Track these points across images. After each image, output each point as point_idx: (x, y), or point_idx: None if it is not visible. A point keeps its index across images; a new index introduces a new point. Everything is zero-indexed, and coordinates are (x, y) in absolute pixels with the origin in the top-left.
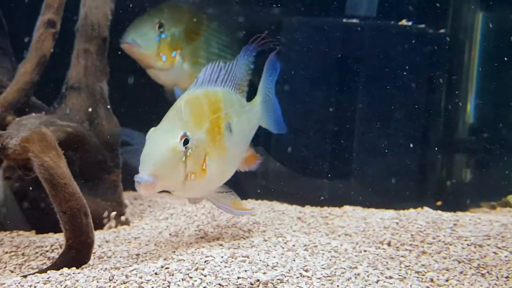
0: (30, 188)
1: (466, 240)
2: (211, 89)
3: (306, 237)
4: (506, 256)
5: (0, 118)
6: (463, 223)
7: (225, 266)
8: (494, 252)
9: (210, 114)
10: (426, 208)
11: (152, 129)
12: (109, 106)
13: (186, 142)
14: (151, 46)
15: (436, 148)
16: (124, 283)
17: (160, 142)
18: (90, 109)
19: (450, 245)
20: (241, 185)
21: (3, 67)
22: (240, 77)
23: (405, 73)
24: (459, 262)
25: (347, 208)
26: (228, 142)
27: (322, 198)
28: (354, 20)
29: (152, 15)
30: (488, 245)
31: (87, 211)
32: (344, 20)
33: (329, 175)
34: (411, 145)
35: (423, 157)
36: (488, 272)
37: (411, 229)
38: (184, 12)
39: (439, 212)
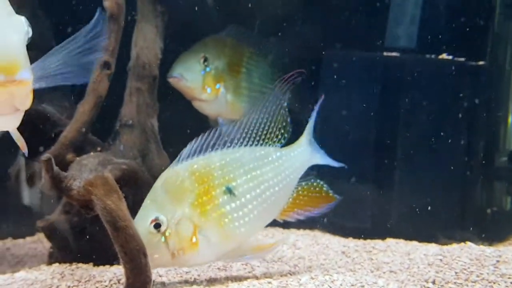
0: (88, 223)
1: (509, 278)
2: (200, 159)
3: (352, 275)
4: None
5: (61, 156)
6: (506, 259)
7: None
8: None
9: (194, 187)
10: (469, 243)
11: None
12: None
13: (157, 226)
14: (197, 79)
15: (477, 178)
16: None
17: (138, 229)
18: (142, 146)
19: (494, 283)
20: None
21: (62, 106)
22: (264, 127)
23: (445, 106)
24: None
25: (390, 241)
26: (228, 207)
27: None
28: (395, 54)
29: (197, 49)
30: None
31: (145, 251)
32: (385, 54)
33: (372, 206)
34: (452, 176)
35: (464, 187)
36: None
37: (455, 266)
38: (227, 45)
39: (482, 247)
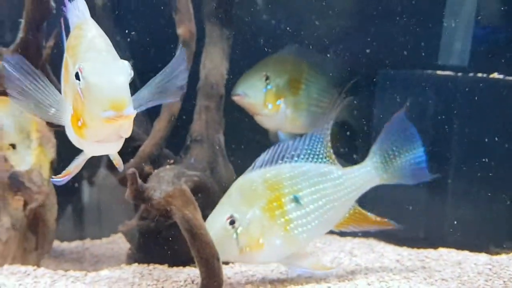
0: (163, 228)
1: None
2: (272, 169)
3: (407, 282)
4: None
5: (139, 169)
6: None
7: None
8: None
9: (266, 192)
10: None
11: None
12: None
13: (232, 222)
14: (259, 96)
15: None
16: None
17: (212, 222)
18: (210, 159)
19: None
20: None
21: (138, 120)
22: (325, 145)
23: (497, 125)
24: None
25: (442, 250)
26: (294, 214)
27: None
28: (448, 73)
29: (259, 68)
30: None
31: (218, 257)
32: (439, 73)
33: (425, 216)
34: (503, 188)
35: None
36: None
37: (503, 275)
38: (288, 63)
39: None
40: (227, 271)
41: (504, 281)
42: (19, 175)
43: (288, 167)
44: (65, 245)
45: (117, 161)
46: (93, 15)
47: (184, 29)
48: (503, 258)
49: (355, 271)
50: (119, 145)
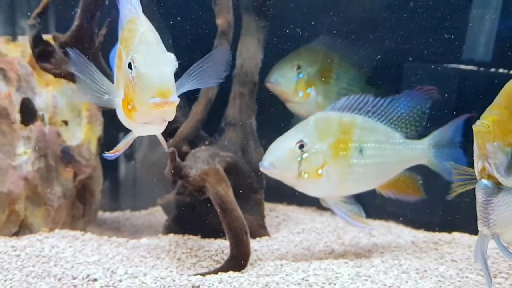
0: (197, 202)
1: None
2: (348, 115)
3: (418, 261)
4: None
5: (178, 148)
6: None
7: (351, 283)
8: None
9: (338, 133)
10: None
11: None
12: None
13: (301, 146)
14: (290, 84)
15: None
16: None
17: (282, 142)
18: (242, 142)
19: None
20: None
21: (178, 105)
22: (400, 115)
23: None
24: None
25: (455, 235)
26: (355, 161)
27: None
28: (471, 67)
29: (291, 58)
30: None
31: (247, 230)
32: (462, 67)
33: (441, 202)
34: None
35: None
36: None
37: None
38: (319, 54)
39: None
40: (254, 244)
41: (510, 264)
42: (70, 149)
43: (361, 118)
44: (108, 214)
45: (162, 142)
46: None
47: (223, 19)
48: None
49: (371, 250)
50: (163, 127)
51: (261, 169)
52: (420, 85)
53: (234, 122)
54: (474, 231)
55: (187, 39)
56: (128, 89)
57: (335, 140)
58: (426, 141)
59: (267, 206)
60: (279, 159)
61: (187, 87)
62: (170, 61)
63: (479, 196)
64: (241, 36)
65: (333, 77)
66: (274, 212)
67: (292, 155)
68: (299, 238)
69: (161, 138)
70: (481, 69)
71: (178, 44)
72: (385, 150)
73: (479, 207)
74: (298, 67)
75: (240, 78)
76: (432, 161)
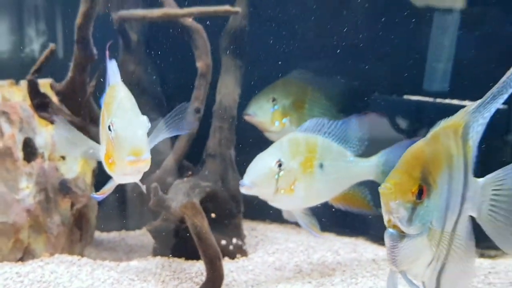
0: (181, 229)
1: (494, 286)
2: (312, 136)
3: (373, 279)
4: None
5: (163, 179)
6: (498, 270)
7: None
8: None
9: (305, 152)
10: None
11: (261, 153)
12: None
13: (279, 165)
14: (267, 116)
15: None
16: None
17: (262, 162)
18: (222, 171)
19: None
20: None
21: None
22: (349, 137)
23: None
24: None
25: None
26: (318, 177)
27: None
28: (428, 98)
29: (267, 92)
30: None
31: (220, 256)
32: (420, 98)
33: None
34: None
35: None
36: None
37: None
38: (293, 86)
39: (480, 260)
40: (231, 266)
41: None
42: (67, 181)
43: (321, 138)
44: (105, 235)
45: (141, 186)
46: (130, 48)
47: (202, 63)
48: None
49: (335, 268)
50: (139, 177)
51: (242, 187)
52: (382, 112)
53: (214, 153)
54: None
55: (172, 78)
56: (108, 146)
57: (304, 159)
58: (375, 159)
59: (249, 225)
60: (259, 177)
61: (159, 139)
62: (143, 124)
63: (387, 242)
64: (220, 75)
65: (306, 107)
66: (254, 232)
67: (271, 174)
68: (273, 258)
69: (140, 184)
70: (437, 100)
71: (165, 82)
72: (339, 167)
73: (387, 250)
74: (274, 100)
75: (219, 113)
76: (380, 177)
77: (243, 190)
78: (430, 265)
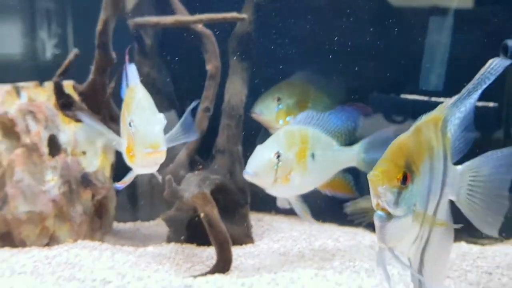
0: (193, 217)
1: (481, 269)
2: (304, 127)
3: (369, 262)
4: (506, 281)
5: (176, 172)
6: (486, 255)
7: (309, 281)
8: (498, 278)
9: (299, 143)
10: (461, 242)
11: (260, 145)
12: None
13: (278, 157)
14: (272, 114)
15: None
16: (251, 286)
17: (262, 153)
18: (230, 166)
19: (468, 272)
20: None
21: None
22: (335, 128)
23: None
24: (471, 284)
25: None
26: (310, 166)
27: None
28: (423, 97)
29: (272, 92)
30: (496, 273)
31: (229, 241)
32: (417, 97)
33: None
34: None
35: None
36: None
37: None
38: (297, 87)
39: (470, 246)
40: (239, 251)
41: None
42: (88, 174)
43: (312, 130)
44: (121, 225)
45: (158, 177)
46: (145, 52)
47: (211, 65)
48: None
49: (335, 254)
50: (156, 168)
51: (245, 176)
52: (381, 111)
53: (222, 149)
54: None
55: (185, 80)
56: (129, 140)
57: (298, 149)
58: (356, 148)
59: (256, 216)
60: (260, 168)
61: (175, 143)
62: (159, 121)
63: (376, 222)
64: (228, 76)
65: (308, 106)
66: (261, 222)
67: (270, 165)
68: (278, 245)
69: (156, 174)
70: (432, 98)
71: (178, 84)
72: (327, 156)
73: (376, 230)
74: (278, 99)
75: (227, 112)
76: (361, 164)
77: (246, 177)
78: (415, 243)
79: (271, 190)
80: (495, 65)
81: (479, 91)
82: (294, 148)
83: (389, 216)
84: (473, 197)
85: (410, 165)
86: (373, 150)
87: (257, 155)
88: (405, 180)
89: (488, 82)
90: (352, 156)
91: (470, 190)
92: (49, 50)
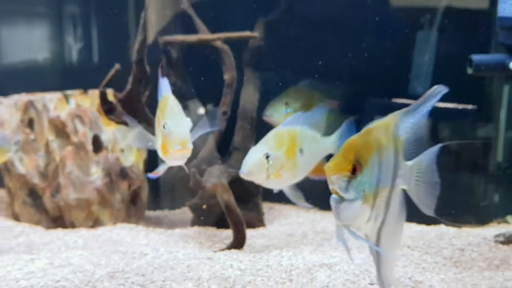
0: (213, 203)
1: (455, 246)
2: (292, 127)
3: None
4: (475, 256)
5: (199, 166)
6: (461, 236)
7: (309, 255)
8: (469, 254)
9: (288, 142)
10: (441, 225)
11: (253, 147)
12: None
13: (267, 157)
14: (281, 117)
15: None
16: (260, 259)
17: (253, 155)
18: None
19: (444, 249)
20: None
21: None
22: (317, 122)
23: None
24: (445, 258)
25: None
26: (299, 160)
27: None
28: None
29: (281, 97)
30: (467, 249)
31: (243, 223)
32: (410, 101)
33: None
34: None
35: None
36: (460, 265)
37: (425, 238)
38: (303, 92)
39: (448, 227)
40: (252, 233)
41: (423, 242)
42: (125, 168)
43: (299, 128)
44: (151, 213)
45: (185, 169)
46: (172, 64)
47: (228, 75)
48: (429, 228)
49: (334, 235)
50: (184, 161)
51: (241, 175)
52: (378, 114)
53: (238, 147)
54: (422, 220)
55: (206, 87)
56: (163, 140)
57: (287, 148)
58: (332, 137)
59: (268, 205)
60: (252, 168)
61: (199, 133)
62: (187, 124)
63: (332, 204)
64: (243, 84)
65: (313, 108)
66: (272, 210)
67: (262, 164)
68: (285, 228)
69: (185, 167)
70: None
71: (199, 90)
72: (313, 148)
73: (332, 210)
74: (287, 104)
75: (242, 115)
76: (337, 150)
77: (242, 176)
78: (369, 222)
79: (266, 185)
80: (436, 90)
81: (428, 107)
82: (283, 147)
83: (342, 199)
84: (418, 186)
85: (359, 159)
86: (344, 138)
87: (250, 157)
88: (354, 171)
89: (432, 103)
90: (330, 144)
91: (417, 180)
92: (75, 58)
